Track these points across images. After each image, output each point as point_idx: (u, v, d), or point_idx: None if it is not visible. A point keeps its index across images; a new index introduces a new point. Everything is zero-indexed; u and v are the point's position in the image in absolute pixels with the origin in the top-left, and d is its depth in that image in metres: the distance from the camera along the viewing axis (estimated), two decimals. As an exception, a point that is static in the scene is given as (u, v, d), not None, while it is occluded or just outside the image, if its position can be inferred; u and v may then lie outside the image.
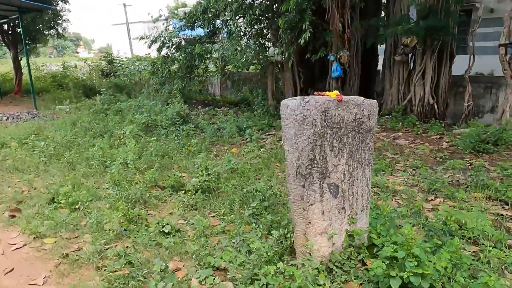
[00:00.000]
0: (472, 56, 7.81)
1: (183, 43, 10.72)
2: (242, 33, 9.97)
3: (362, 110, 2.48)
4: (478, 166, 5.14)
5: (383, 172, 5.09)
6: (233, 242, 3.06)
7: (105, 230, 3.37)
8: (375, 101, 2.60)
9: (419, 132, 7.32)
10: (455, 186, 4.62)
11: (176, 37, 10.78)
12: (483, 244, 3.11)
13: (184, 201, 4.07)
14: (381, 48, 9.79)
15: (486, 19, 10.30)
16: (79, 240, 3.35)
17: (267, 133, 7.65)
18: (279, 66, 9.84)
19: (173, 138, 6.57)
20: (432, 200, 4.23)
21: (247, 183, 4.51)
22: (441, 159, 5.73)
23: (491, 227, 3.24)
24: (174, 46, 10.60)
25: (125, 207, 3.66)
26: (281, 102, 2.21)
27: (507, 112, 6.42)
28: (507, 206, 3.99)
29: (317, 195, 2.32)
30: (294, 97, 2.23)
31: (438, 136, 7.03)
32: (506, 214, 3.81)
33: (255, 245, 2.71)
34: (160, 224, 3.33)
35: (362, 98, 2.50)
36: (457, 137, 6.93)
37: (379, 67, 10.05)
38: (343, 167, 2.44)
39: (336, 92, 2.35)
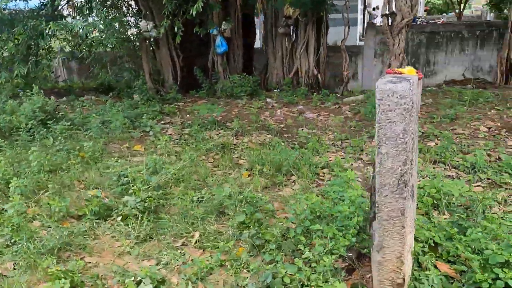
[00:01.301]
0: (347, 27, 8.27)
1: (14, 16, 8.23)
2: (99, 4, 8.22)
3: (419, 88, 2.03)
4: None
5: (318, 151, 4.85)
6: (249, 280, 2.29)
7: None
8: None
9: (317, 104, 7.42)
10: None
11: (4, 9, 8.20)
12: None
13: (131, 231, 2.97)
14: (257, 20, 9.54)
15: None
16: None
17: (162, 122, 6.57)
18: (152, 43, 8.57)
19: (52, 143, 4.92)
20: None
21: (199, 189, 3.65)
22: (355, 128, 5.87)
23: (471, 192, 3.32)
24: (4, 21, 8.03)
25: (52, 263, 2.40)
26: (377, 87, 1.56)
27: (392, 78, 7.03)
28: (447, 167, 4.26)
29: (409, 203, 1.80)
30: (388, 78, 1.60)
31: (337, 106, 7.27)
32: (453, 175, 4.05)
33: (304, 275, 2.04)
34: (135, 279, 2.26)
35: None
36: (352, 104, 7.30)
37: (257, 40, 9.82)
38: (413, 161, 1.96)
39: (411, 67, 1.83)
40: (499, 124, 5.66)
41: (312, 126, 6.02)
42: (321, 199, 3.11)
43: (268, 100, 7.83)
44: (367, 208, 2.64)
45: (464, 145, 4.82)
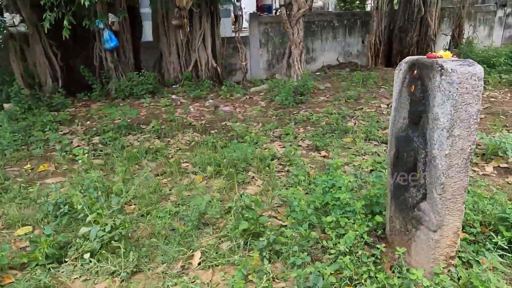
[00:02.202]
0: (241, 18, 8.30)
1: None
2: None
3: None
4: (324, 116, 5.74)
5: (257, 143, 4.80)
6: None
7: None
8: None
9: (227, 96, 7.31)
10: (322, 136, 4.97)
11: None
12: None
13: (112, 268, 2.44)
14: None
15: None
16: None
17: (60, 132, 5.56)
18: (20, 40, 7.11)
19: None
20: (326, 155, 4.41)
21: (158, 203, 3.21)
22: (277, 116, 5.99)
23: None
24: None
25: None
26: (455, 71, 1.57)
27: (295, 65, 7.37)
28: (377, 143, 4.69)
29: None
30: (453, 61, 1.63)
31: (247, 97, 7.28)
32: (385, 149, 4.48)
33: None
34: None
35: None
36: (261, 94, 7.42)
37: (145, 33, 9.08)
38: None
39: (446, 52, 1.90)
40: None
41: (235, 119, 5.92)
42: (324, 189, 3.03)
43: (174, 96, 7.38)
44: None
45: (381, 121, 5.38)
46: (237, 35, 8.50)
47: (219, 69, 8.48)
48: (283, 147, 4.68)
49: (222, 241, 2.73)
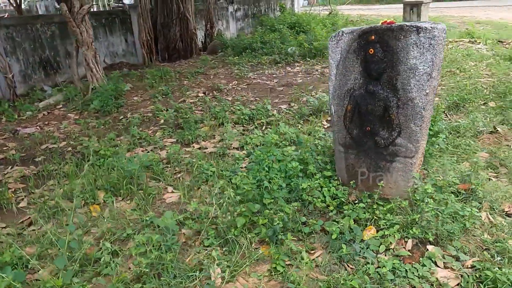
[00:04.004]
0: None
1: None
2: None
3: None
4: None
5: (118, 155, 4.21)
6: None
7: None
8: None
9: (15, 118, 5.73)
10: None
11: None
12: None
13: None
14: None
15: None
16: None
17: None
18: None
19: None
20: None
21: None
22: (106, 126, 5.28)
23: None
24: None
25: None
26: (435, 28, 2.06)
27: (92, 68, 6.42)
28: (232, 125, 4.99)
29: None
30: (423, 23, 2.12)
31: (45, 112, 5.93)
32: (243, 129, 4.86)
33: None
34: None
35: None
36: (59, 107, 6.22)
37: None
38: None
39: (392, 19, 2.40)
40: (205, 89, 6.89)
41: (56, 139, 4.82)
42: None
43: None
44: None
45: (213, 106, 5.63)
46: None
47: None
48: (148, 152, 4.29)
49: (212, 249, 2.44)
